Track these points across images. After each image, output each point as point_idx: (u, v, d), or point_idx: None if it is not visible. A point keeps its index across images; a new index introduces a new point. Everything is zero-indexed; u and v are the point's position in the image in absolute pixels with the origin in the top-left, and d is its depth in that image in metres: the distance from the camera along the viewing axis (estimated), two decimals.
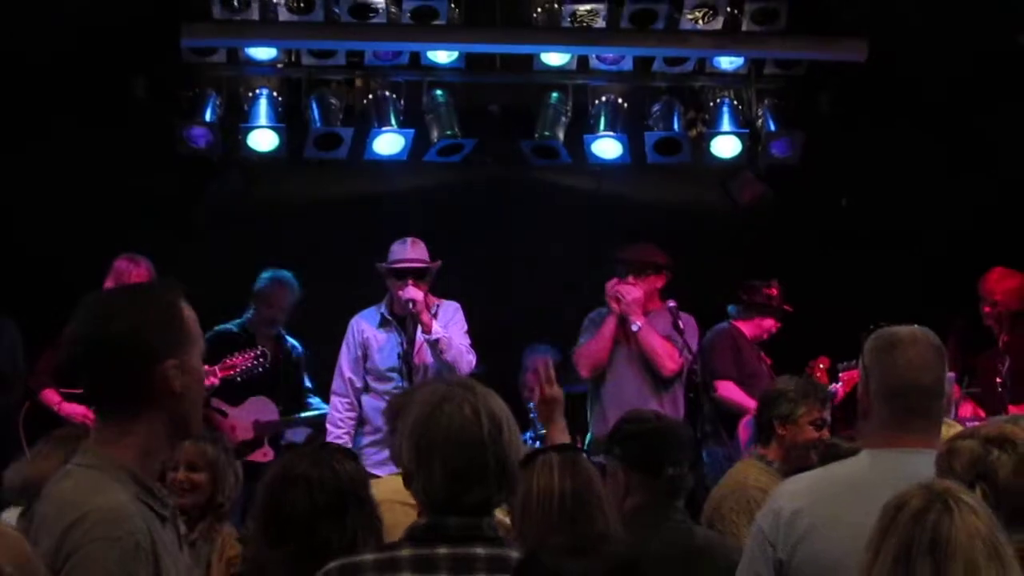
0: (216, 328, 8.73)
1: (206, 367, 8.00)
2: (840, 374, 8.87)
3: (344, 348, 8.68)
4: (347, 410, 8.57)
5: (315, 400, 9.04)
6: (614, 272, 8.70)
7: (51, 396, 8.32)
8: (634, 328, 8.47)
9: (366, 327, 8.65)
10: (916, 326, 3.87)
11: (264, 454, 8.52)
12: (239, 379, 8.48)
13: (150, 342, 3.24)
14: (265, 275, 9.00)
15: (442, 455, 3.35)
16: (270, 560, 4.21)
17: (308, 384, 9.14)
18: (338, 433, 8.46)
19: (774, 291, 9.12)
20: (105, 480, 3.20)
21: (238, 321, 8.94)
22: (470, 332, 8.68)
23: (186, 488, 5.75)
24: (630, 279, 8.57)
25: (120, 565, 3.09)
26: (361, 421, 8.60)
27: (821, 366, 8.89)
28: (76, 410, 8.19)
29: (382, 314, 8.64)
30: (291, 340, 9.12)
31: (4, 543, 2.68)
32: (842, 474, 3.84)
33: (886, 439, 3.77)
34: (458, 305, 8.71)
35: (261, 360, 8.54)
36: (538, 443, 8.38)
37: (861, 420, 3.87)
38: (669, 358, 8.44)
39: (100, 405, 3.32)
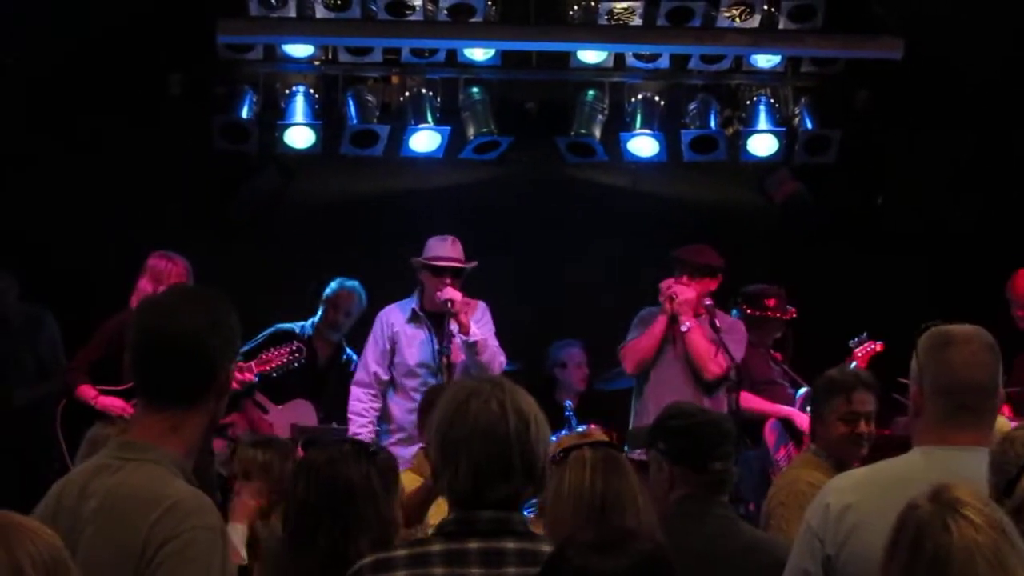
0: (278, 326, 8.83)
1: (240, 363, 8.16)
2: (855, 350, 8.84)
3: (371, 340, 8.66)
4: (371, 400, 8.54)
5: None
6: (670, 270, 8.59)
7: (87, 391, 8.31)
8: (683, 329, 8.38)
9: (396, 321, 8.63)
10: (970, 325, 3.85)
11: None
12: (275, 375, 8.49)
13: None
14: (335, 282, 9.12)
15: (468, 451, 3.35)
16: (280, 549, 4.29)
17: None
18: (362, 422, 8.43)
19: (772, 301, 9.00)
20: (168, 475, 3.26)
21: (302, 323, 9.00)
22: (503, 330, 8.67)
23: None
24: (684, 279, 8.48)
25: (218, 552, 3.17)
26: (387, 419, 8.58)
27: (853, 364, 8.85)
28: (114, 403, 8.20)
29: (413, 309, 8.62)
30: (350, 351, 9.13)
31: (28, 538, 2.66)
32: (893, 471, 3.82)
33: (939, 436, 3.76)
34: (486, 305, 8.69)
35: (297, 355, 8.53)
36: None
37: (913, 417, 3.85)
38: (714, 362, 8.31)
39: (158, 398, 3.36)
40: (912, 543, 2.92)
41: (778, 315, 8.94)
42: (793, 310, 8.95)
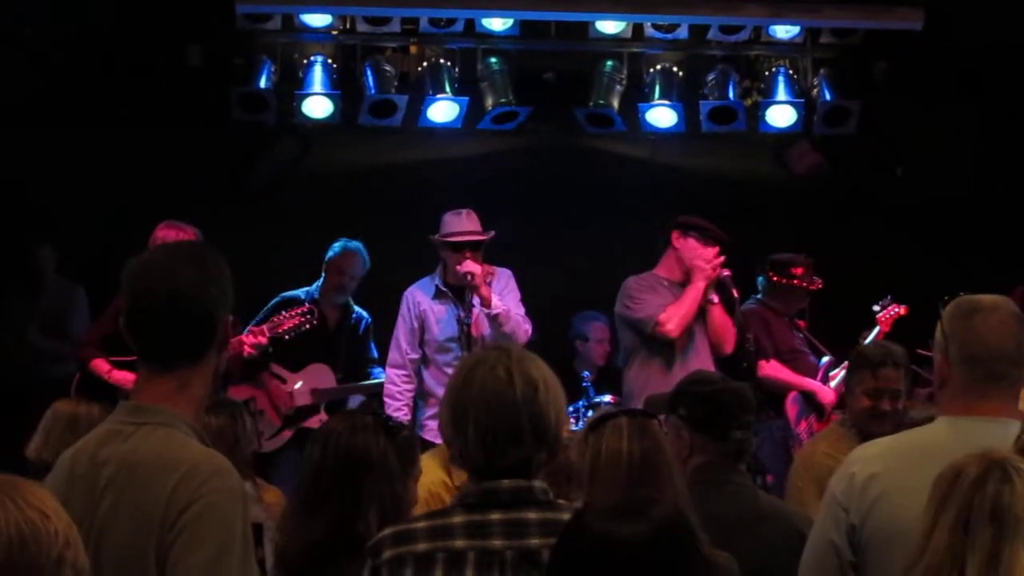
0: (284, 294, 8.78)
1: (253, 327, 8.17)
2: (877, 316, 8.86)
3: (400, 321, 8.68)
4: (404, 382, 8.59)
5: (377, 370, 8.98)
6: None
7: (101, 365, 8.28)
8: (715, 300, 8.36)
9: (422, 299, 8.65)
10: (996, 295, 3.85)
11: (319, 420, 8.53)
12: (287, 337, 8.46)
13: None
14: (337, 244, 8.98)
15: (475, 417, 3.37)
16: (292, 512, 4.32)
17: (374, 354, 9.07)
18: (397, 405, 8.46)
19: (800, 270, 8.98)
20: (182, 436, 3.25)
21: (307, 288, 8.93)
22: (523, 299, 8.67)
23: None
24: (717, 249, 8.35)
25: (240, 512, 3.16)
26: (423, 395, 8.60)
27: (877, 328, 8.88)
28: (126, 377, 8.13)
29: (436, 285, 8.63)
30: (359, 310, 9.05)
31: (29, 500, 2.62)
32: (919, 440, 3.82)
33: (964, 406, 3.75)
34: (511, 273, 8.68)
35: (309, 317, 8.51)
36: (590, 412, 8.37)
37: (938, 388, 3.85)
38: (733, 338, 8.33)
39: (163, 360, 3.33)
40: (972, 487, 2.95)
41: (804, 284, 8.92)
42: (820, 281, 8.92)
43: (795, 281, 8.92)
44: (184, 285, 3.28)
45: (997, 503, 2.91)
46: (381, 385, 8.74)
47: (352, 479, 4.18)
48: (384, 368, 8.85)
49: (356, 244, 8.98)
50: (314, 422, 8.54)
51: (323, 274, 8.95)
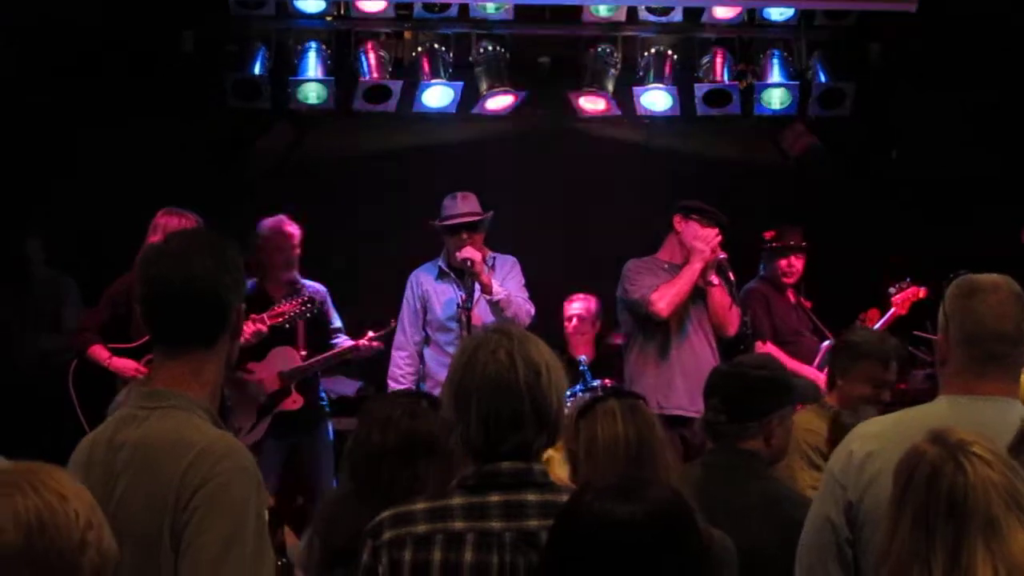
0: None
1: (254, 316, 8.11)
2: (892, 298, 8.85)
3: (404, 304, 8.73)
4: (407, 364, 8.64)
5: (340, 338, 8.81)
6: (691, 219, 8.44)
7: (100, 352, 8.18)
8: (715, 282, 8.35)
9: (424, 280, 8.71)
10: (997, 274, 3.87)
11: (294, 401, 8.48)
12: (287, 326, 8.41)
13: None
14: (261, 225, 8.70)
15: (478, 402, 3.37)
16: (342, 497, 4.29)
17: (337, 324, 8.86)
18: (399, 388, 8.47)
19: (771, 233, 9.05)
20: (195, 419, 3.28)
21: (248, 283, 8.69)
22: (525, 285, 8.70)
23: None
24: (717, 231, 8.36)
25: (254, 492, 3.19)
26: (424, 375, 8.64)
27: (891, 310, 8.88)
28: (126, 364, 8.10)
29: (440, 267, 8.69)
30: (308, 284, 8.78)
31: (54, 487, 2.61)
32: (918, 419, 3.81)
33: (964, 385, 3.78)
34: (515, 259, 8.73)
35: (309, 306, 8.45)
36: (587, 396, 8.36)
37: (939, 367, 3.89)
38: (736, 319, 8.32)
39: (177, 344, 3.38)
40: (927, 484, 2.96)
41: (775, 245, 8.95)
42: (797, 235, 8.93)
43: (769, 245, 8.96)
44: (199, 271, 3.34)
45: (953, 498, 2.92)
46: (347, 351, 8.63)
47: (413, 463, 4.19)
48: (345, 335, 8.74)
49: (277, 217, 8.68)
50: (288, 404, 8.49)
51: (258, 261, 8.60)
